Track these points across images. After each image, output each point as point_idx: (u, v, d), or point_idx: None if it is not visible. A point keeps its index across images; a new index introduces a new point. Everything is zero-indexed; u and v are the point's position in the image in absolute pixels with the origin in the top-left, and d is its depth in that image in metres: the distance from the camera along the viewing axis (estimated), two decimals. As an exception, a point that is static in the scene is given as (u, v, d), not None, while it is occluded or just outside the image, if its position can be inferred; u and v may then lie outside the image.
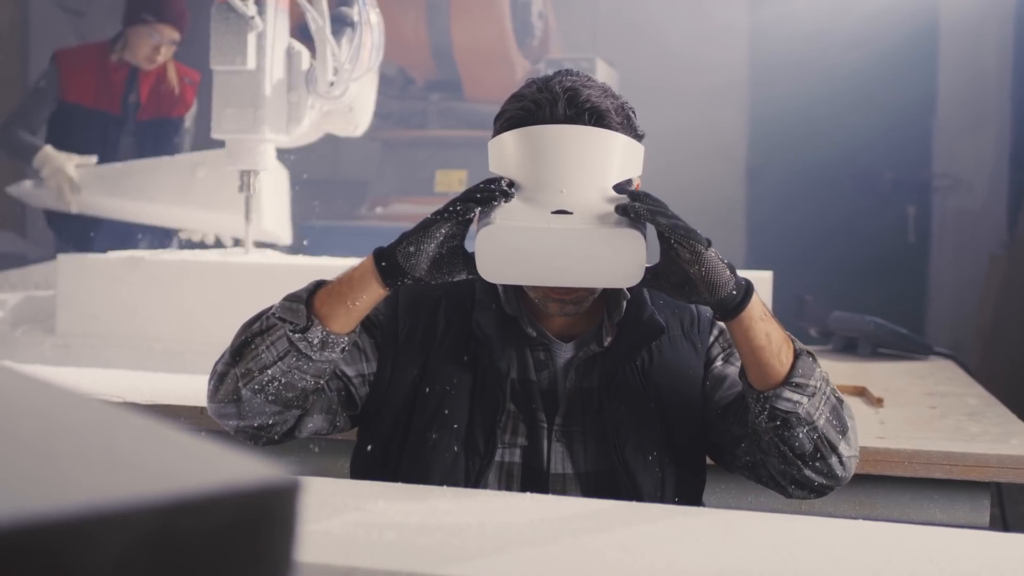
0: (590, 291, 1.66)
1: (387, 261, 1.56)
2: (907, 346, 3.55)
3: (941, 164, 7.06)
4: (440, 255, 1.54)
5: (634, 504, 1.51)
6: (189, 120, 4.49)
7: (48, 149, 4.04)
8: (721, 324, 1.77)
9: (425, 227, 1.53)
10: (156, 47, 4.26)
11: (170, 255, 3.28)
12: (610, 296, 1.73)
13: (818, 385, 1.57)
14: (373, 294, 1.58)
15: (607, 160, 1.60)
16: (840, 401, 1.62)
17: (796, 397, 1.55)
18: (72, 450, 0.53)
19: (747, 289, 1.55)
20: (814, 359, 1.60)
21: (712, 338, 1.78)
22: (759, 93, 7.30)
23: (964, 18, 6.88)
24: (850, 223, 7.07)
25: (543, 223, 1.53)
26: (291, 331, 1.56)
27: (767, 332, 1.56)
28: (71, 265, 3.25)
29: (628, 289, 1.72)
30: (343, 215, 6.18)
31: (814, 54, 6.92)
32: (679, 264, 1.52)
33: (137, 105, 4.40)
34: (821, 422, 1.57)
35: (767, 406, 1.56)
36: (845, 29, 6.84)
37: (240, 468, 0.54)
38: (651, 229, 1.55)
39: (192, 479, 0.51)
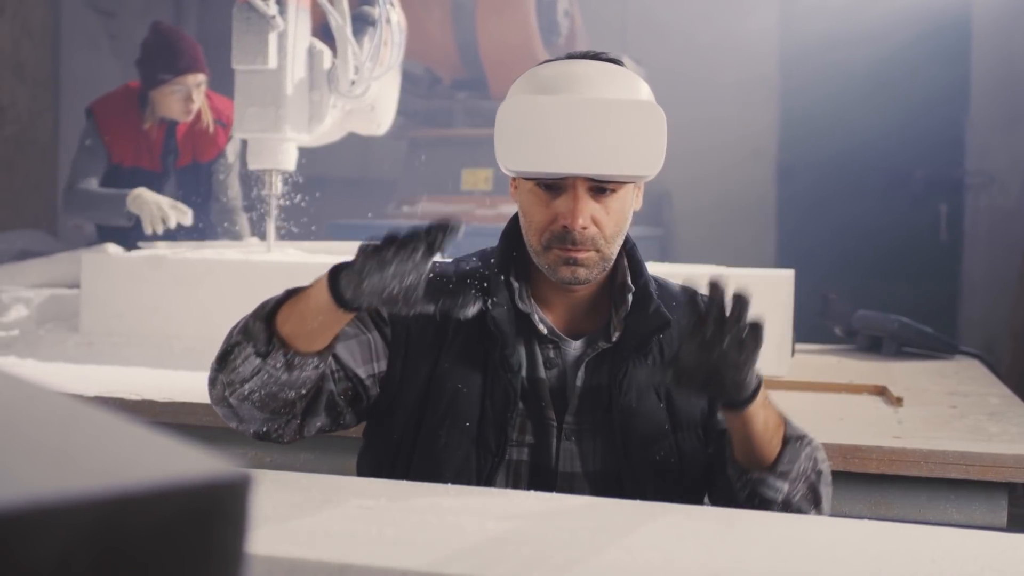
0: (601, 255, 1.64)
1: (338, 290, 1.49)
2: (933, 345, 3.51)
3: (974, 161, 6.99)
4: (394, 290, 1.46)
5: (636, 503, 1.50)
6: (233, 155, 4.31)
7: (142, 191, 3.88)
8: None
9: (370, 257, 1.46)
10: (186, 98, 4.10)
11: (192, 253, 3.30)
12: (616, 291, 1.72)
13: (801, 469, 1.59)
14: (333, 316, 1.51)
15: (628, 88, 1.61)
16: (819, 475, 1.63)
17: (778, 484, 1.57)
18: (21, 442, 0.53)
19: (759, 380, 1.52)
20: (801, 442, 1.61)
21: None
22: (789, 90, 7.26)
23: (997, 12, 6.81)
24: (882, 221, 7.02)
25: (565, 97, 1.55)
26: (254, 353, 1.53)
27: (766, 419, 1.56)
28: (95, 263, 3.28)
29: (632, 282, 1.72)
30: (374, 213, 6.20)
31: (844, 51, 6.87)
32: (713, 363, 1.45)
33: (176, 154, 4.27)
34: (795, 499, 1.59)
35: (747, 488, 1.59)
36: (875, 26, 6.78)
37: (191, 463, 0.54)
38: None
39: (140, 473, 0.51)
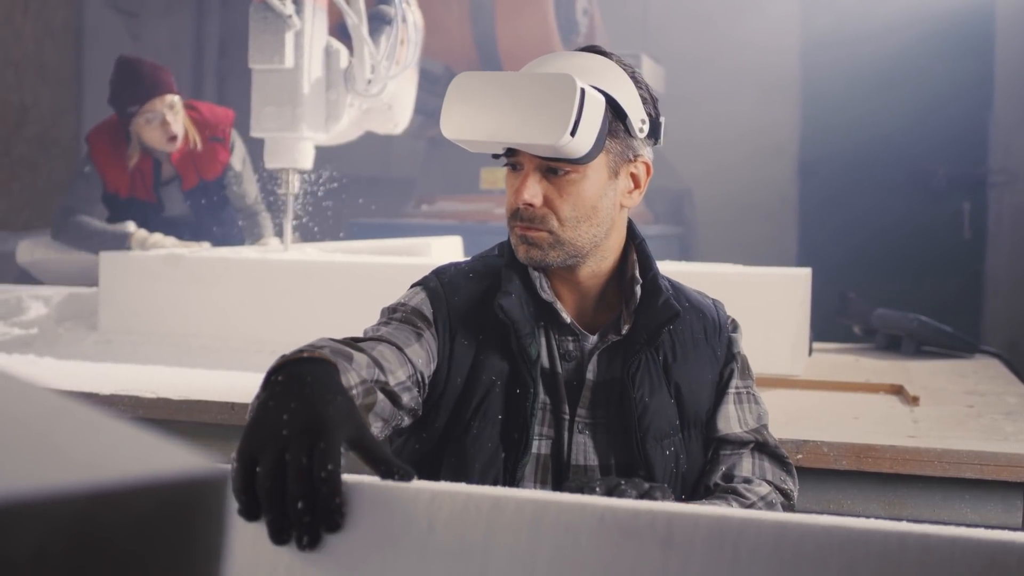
0: (555, 238, 1.64)
1: None
2: (952, 344, 3.49)
3: (997, 159, 6.94)
4: None
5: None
6: (240, 163, 4.24)
7: (144, 235, 3.87)
8: (740, 350, 1.80)
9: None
10: (162, 124, 3.98)
11: (209, 252, 3.32)
12: (625, 285, 1.72)
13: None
14: None
15: (589, 73, 1.64)
16: (771, 505, 1.72)
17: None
18: (1, 437, 0.53)
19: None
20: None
21: (728, 355, 1.77)
22: (811, 88, 7.23)
23: (1021, 7, 6.75)
24: (904, 220, 6.98)
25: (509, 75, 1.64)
26: None
27: None
28: (113, 263, 3.30)
29: (640, 275, 1.71)
30: (393, 212, 6.21)
31: (866, 48, 6.84)
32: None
33: (178, 179, 4.20)
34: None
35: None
36: (896, 21, 6.74)
37: (169, 459, 0.54)
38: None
39: (118, 469, 0.51)
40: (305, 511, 1.06)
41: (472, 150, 1.68)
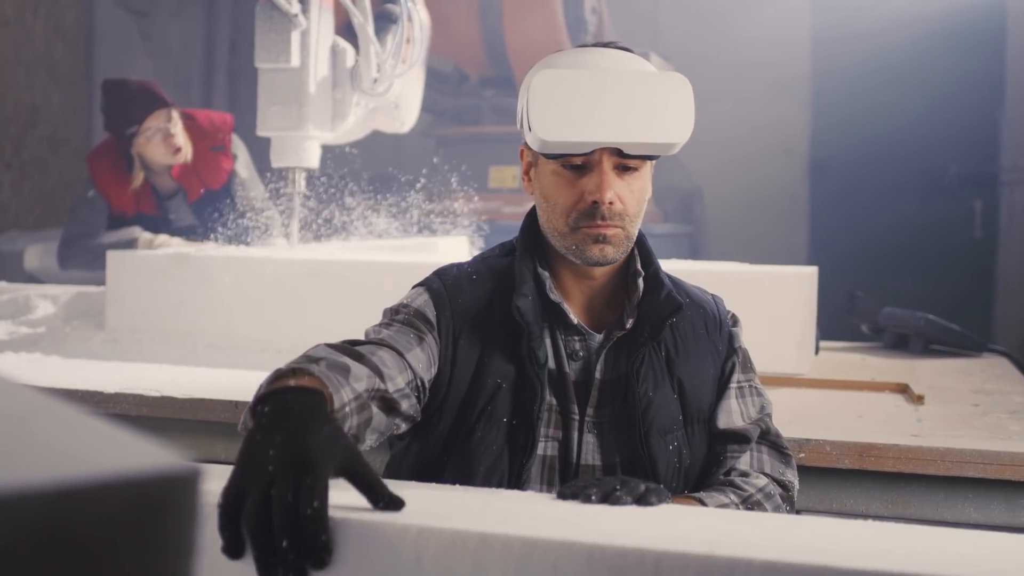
0: (626, 233, 1.65)
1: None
2: (960, 343, 3.47)
3: (1009, 157, 6.91)
4: None
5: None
6: (244, 169, 4.15)
7: (151, 237, 3.86)
8: (741, 344, 1.80)
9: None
10: (165, 138, 3.90)
11: (216, 251, 3.32)
12: (629, 281, 1.72)
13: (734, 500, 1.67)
14: None
15: (645, 66, 1.65)
16: (768, 496, 1.72)
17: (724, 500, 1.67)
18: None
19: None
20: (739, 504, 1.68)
21: (729, 349, 1.77)
22: (820, 85, 7.21)
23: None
24: (915, 218, 6.96)
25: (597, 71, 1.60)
26: None
27: None
28: (120, 262, 3.31)
29: (641, 267, 1.71)
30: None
31: (876, 45, 6.81)
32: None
33: (182, 191, 4.11)
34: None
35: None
36: (907, 19, 6.72)
37: (141, 456, 0.54)
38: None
39: (89, 466, 0.51)
40: (291, 549, 1.06)
41: (561, 151, 1.63)
